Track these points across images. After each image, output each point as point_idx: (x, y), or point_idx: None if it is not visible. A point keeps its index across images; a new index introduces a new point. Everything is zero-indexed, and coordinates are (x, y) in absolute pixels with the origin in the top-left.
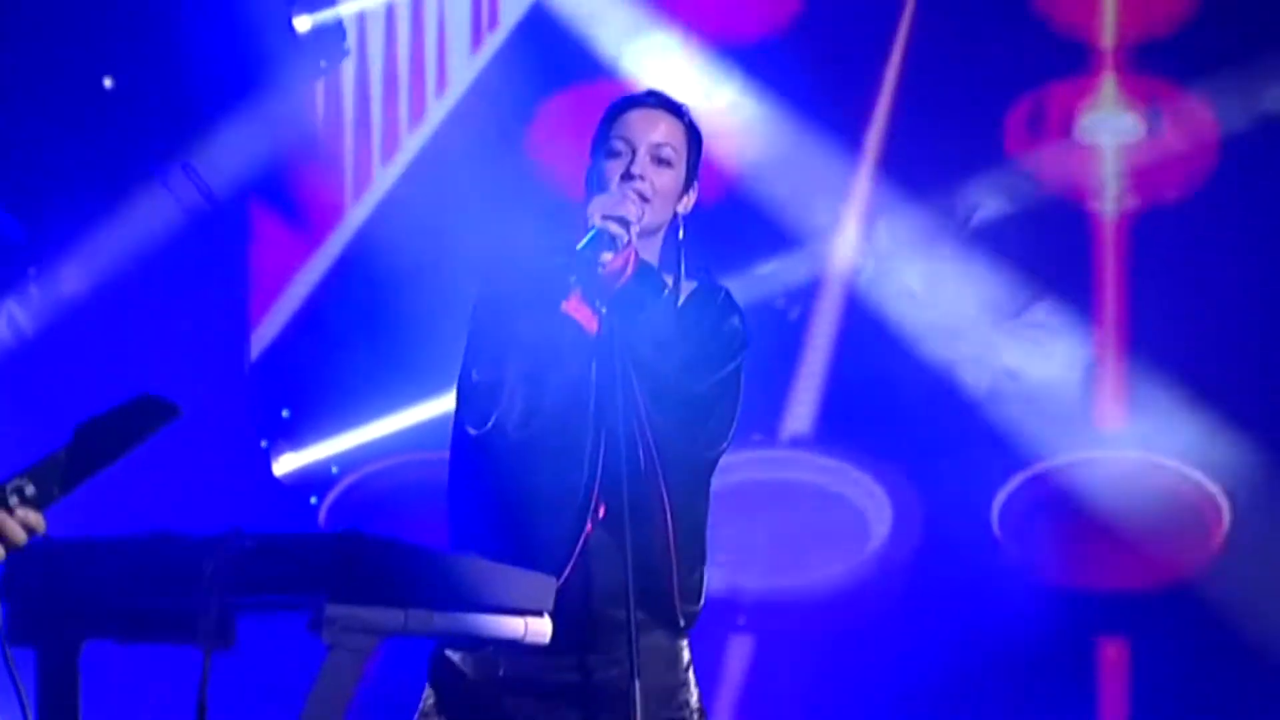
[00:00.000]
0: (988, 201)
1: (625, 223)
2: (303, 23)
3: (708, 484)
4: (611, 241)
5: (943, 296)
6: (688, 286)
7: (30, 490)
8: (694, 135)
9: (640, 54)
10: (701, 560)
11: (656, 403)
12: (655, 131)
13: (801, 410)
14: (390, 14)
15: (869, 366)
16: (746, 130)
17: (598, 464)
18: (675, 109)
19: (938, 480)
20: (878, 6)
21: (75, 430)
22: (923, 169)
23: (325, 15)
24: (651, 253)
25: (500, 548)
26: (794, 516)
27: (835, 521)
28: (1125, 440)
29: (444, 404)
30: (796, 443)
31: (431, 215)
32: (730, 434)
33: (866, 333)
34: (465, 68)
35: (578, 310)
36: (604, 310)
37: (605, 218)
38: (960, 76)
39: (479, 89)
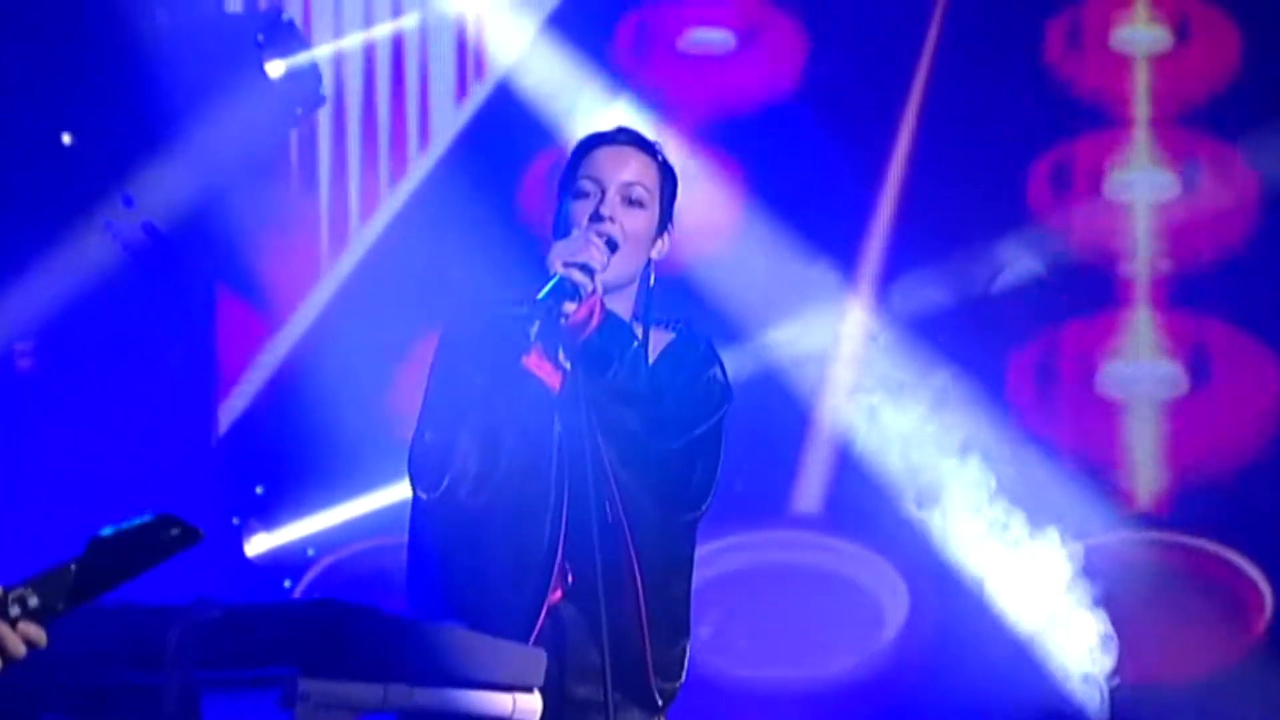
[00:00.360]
0: (1012, 264)
1: (589, 270)
2: (275, 68)
3: (687, 549)
4: (574, 290)
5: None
6: (663, 337)
7: (34, 602)
8: (668, 174)
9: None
10: (682, 633)
11: (626, 463)
12: (625, 170)
13: (810, 487)
14: (369, 57)
15: None
16: (749, 189)
17: (560, 530)
18: (647, 146)
19: (957, 564)
20: (885, 68)
21: (89, 543)
22: (939, 230)
23: (300, 59)
24: (625, 303)
25: (456, 622)
26: (801, 602)
27: (846, 608)
28: (1157, 521)
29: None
30: (804, 522)
31: (415, 278)
32: (710, 495)
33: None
34: (450, 118)
35: (539, 366)
36: (568, 365)
37: (568, 265)
38: (978, 131)
39: (465, 143)
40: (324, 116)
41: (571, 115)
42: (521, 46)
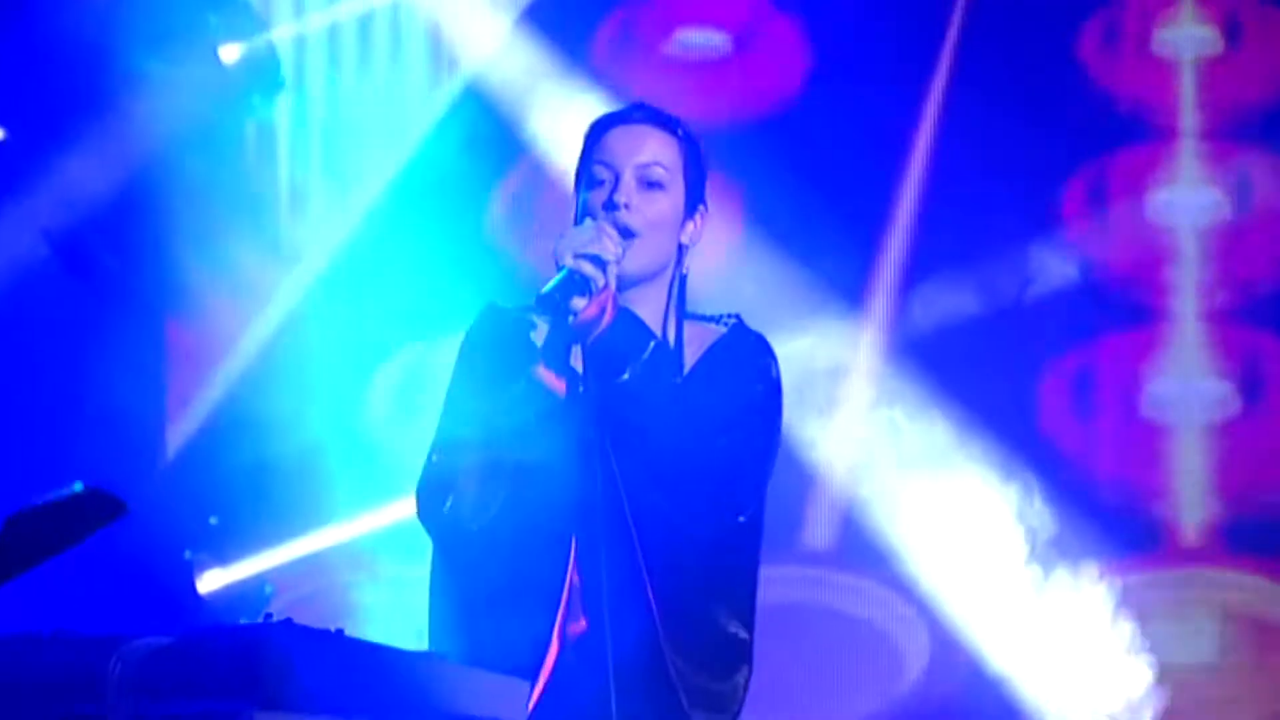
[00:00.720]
0: (1042, 278)
1: (600, 262)
2: (230, 51)
3: (737, 562)
4: (584, 284)
5: None
6: (709, 332)
7: None
8: (692, 150)
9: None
10: (736, 661)
11: (644, 473)
12: (642, 151)
13: (821, 519)
14: (332, 40)
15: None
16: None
17: (568, 553)
18: (665, 121)
19: (983, 603)
20: (899, 69)
21: (6, 521)
22: (961, 241)
23: (257, 41)
24: (657, 295)
25: (468, 658)
26: (811, 646)
27: (861, 652)
28: (1205, 555)
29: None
30: (814, 558)
31: (384, 288)
32: (760, 495)
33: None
34: (423, 112)
35: (546, 371)
36: (579, 368)
37: (577, 256)
38: (1004, 142)
39: (440, 140)
40: (283, 105)
41: (549, 113)
42: (496, 39)
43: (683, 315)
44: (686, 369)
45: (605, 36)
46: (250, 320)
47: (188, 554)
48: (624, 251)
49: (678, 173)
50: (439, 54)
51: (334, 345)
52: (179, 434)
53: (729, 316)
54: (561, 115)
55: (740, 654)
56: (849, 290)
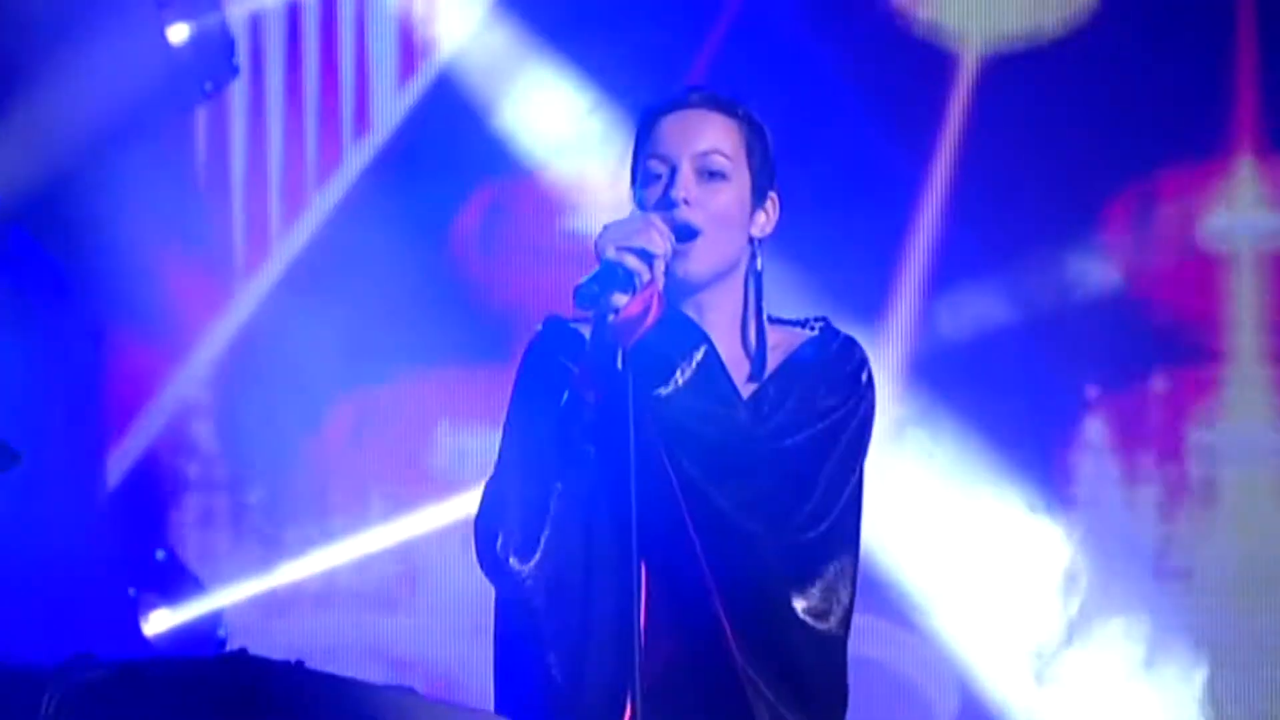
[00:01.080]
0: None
1: (646, 256)
2: (178, 31)
3: (807, 582)
4: (627, 278)
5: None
6: (793, 337)
7: None
8: (756, 134)
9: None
10: (831, 704)
11: (712, 496)
12: (700, 138)
13: None
14: (293, 18)
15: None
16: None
17: (636, 590)
18: (724, 104)
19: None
20: (926, 74)
21: None
22: (993, 250)
23: (209, 20)
24: (730, 301)
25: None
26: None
27: (887, 701)
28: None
29: (379, 541)
30: None
31: (352, 295)
32: (836, 507)
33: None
34: (394, 99)
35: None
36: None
37: (620, 249)
38: (1038, 151)
39: (412, 130)
40: (238, 93)
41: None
42: (474, 17)
43: (762, 317)
44: (769, 373)
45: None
46: (199, 332)
47: (131, 591)
48: (686, 250)
49: (741, 160)
50: (409, 38)
51: (290, 364)
52: (121, 458)
53: (816, 319)
54: (541, 104)
55: (830, 684)
56: (868, 297)
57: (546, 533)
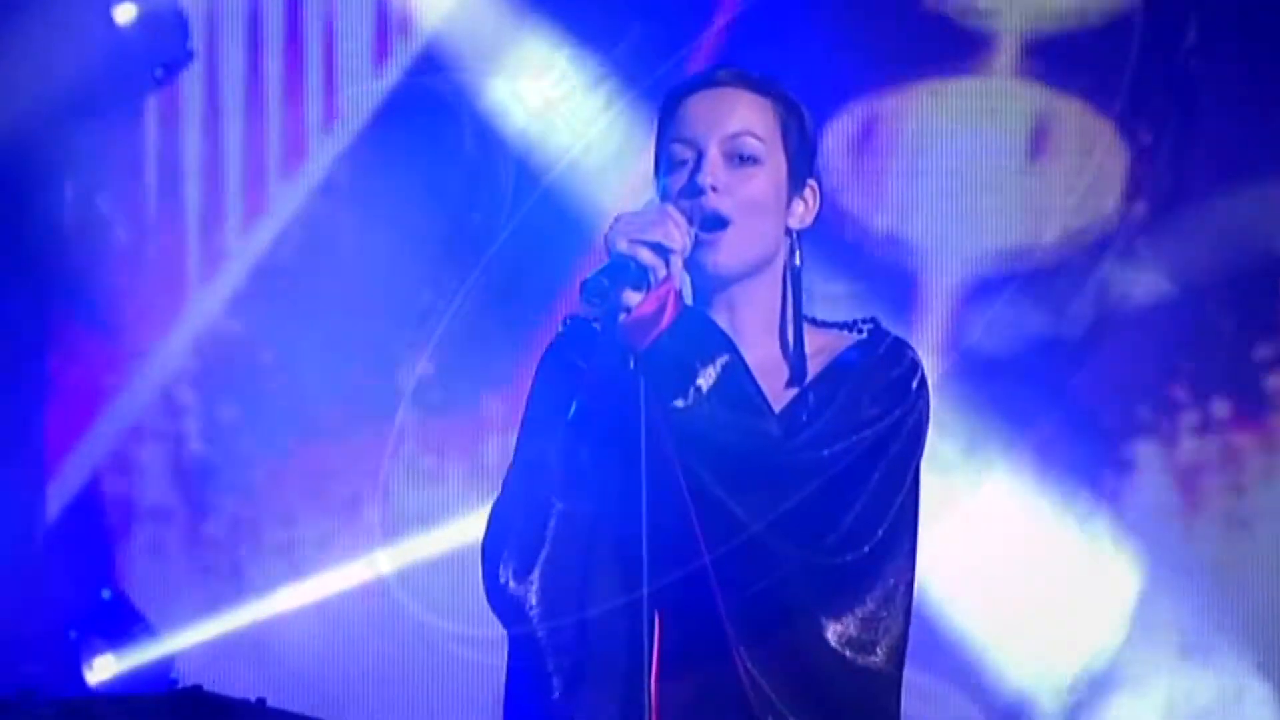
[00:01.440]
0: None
1: (662, 250)
2: (125, 11)
3: (836, 614)
4: (641, 274)
5: None
6: (838, 340)
7: None
8: (792, 114)
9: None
10: None
11: (737, 500)
12: (729, 119)
13: None
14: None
15: None
16: None
17: (642, 633)
18: (755, 82)
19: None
20: None
21: None
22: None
23: (159, 1)
24: (766, 298)
25: None
26: None
27: None
28: None
29: (349, 578)
30: None
31: (319, 301)
32: (879, 529)
33: None
34: (365, 86)
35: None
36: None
37: (633, 242)
38: None
39: (386, 119)
40: (192, 80)
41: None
42: None
43: (801, 318)
44: (810, 379)
45: None
46: (150, 342)
47: (72, 635)
48: (715, 241)
49: (775, 142)
50: (384, 13)
51: (256, 380)
52: (61, 489)
53: (865, 321)
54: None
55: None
56: (894, 303)
57: (545, 553)
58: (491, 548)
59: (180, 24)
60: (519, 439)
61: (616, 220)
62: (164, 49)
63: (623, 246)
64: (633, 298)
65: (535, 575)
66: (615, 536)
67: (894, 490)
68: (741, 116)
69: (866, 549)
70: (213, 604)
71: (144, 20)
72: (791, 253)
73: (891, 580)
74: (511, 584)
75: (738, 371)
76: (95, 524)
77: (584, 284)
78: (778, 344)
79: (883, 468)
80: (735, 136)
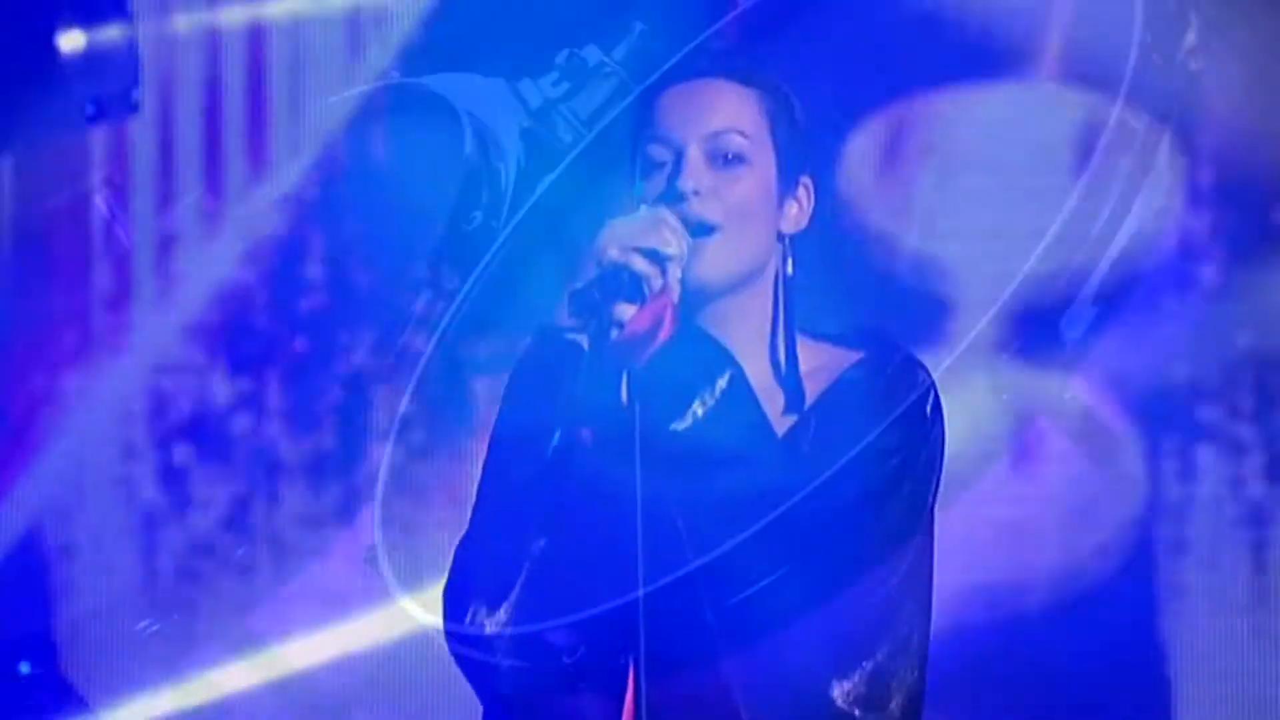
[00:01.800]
0: None
1: (658, 258)
2: (71, 39)
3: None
4: (634, 286)
5: None
6: (839, 357)
7: None
8: (781, 107)
9: None
10: None
11: (731, 562)
12: (711, 115)
13: None
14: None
15: None
16: None
17: (638, 674)
18: (738, 71)
19: None
20: None
21: None
22: None
23: (112, 34)
24: (757, 311)
25: None
26: None
27: None
28: None
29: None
30: None
31: (276, 329)
32: (902, 551)
33: None
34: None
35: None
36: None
37: (625, 249)
38: None
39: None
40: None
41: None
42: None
43: (794, 329)
44: (809, 403)
45: None
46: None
47: None
48: (699, 249)
49: (763, 138)
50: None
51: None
52: None
53: (868, 331)
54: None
55: None
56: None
57: (516, 594)
58: (457, 594)
59: (130, 60)
60: (486, 468)
61: (608, 227)
62: (105, 94)
63: (614, 254)
64: (626, 311)
65: (506, 616)
66: (602, 583)
67: (909, 529)
68: (724, 111)
69: (881, 593)
70: (153, 679)
71: (89, 55)
72: (784, 260)
73: (904, 630)
74: (487, 625)
75: (741, 393)
76: (14, 587)
77: (572, 296)
78: (769, 364)
79: (896, 505)
80: (718, 135)
